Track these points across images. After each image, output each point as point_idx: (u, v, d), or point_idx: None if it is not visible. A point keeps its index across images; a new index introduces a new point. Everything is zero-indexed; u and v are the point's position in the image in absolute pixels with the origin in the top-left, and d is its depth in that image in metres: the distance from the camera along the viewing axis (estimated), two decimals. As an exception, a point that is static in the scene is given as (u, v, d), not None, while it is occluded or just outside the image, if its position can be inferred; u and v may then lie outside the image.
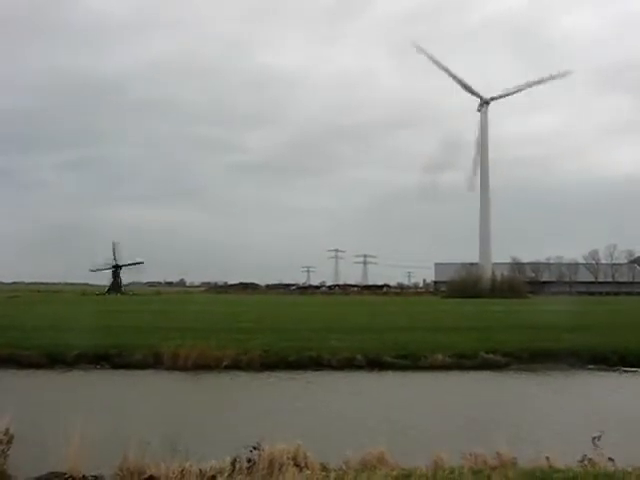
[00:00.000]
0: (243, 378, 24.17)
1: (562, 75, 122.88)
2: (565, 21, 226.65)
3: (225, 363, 25.44)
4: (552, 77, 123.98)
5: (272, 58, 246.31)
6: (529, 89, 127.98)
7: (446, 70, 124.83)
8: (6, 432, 11.11)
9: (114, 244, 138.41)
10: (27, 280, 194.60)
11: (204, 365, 25.33)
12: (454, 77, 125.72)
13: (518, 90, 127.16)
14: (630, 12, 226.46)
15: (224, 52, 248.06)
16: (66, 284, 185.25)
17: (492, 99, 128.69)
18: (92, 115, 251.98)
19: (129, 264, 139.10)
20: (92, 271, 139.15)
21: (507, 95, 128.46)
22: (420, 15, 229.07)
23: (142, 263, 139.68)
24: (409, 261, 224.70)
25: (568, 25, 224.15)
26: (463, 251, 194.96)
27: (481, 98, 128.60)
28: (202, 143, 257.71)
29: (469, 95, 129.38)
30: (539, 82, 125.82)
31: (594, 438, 10.16)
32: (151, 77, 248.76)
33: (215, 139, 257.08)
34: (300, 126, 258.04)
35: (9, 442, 11.07)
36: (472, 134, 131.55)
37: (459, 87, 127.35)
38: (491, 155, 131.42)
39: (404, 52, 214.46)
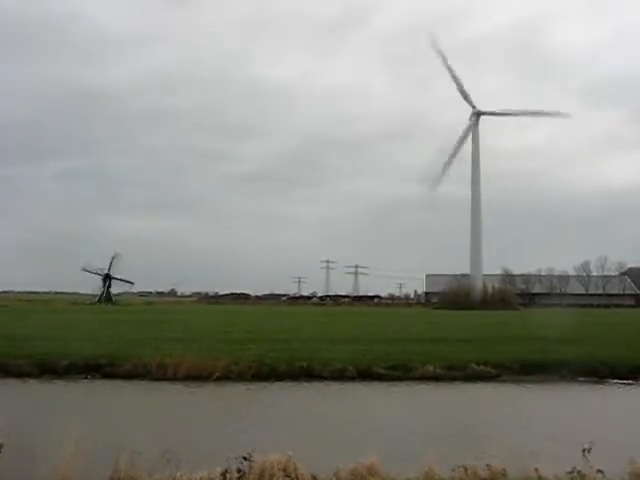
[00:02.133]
0: (235, 389, 24.15)
1: (556, 114, 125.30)
2: (560, 35, 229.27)
3: (216, 374, 25.39)
4: (546, 114, 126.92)
5: (269, 70, 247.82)
6: (520, 117, 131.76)
7: (451, 71, 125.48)
8: (-4, 442, 11.05)
9: (115, 254, 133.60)
10: (17, 289, 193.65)
11: (195, 376, 25.27)
12: (456, 80, 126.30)
13: (510, 114, 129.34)
14: (624, 29, 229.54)
15: (222, 64, 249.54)
16: (57, 293, 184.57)
17: (483, 113, 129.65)
18: (89, 125, 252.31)
19: (120, 279, 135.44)
20: (83, 270, 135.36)
21: (498, 114, 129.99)
22: (416, 29, 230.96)
23: (132, 284, 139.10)
24: (400, 272, 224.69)
25: (563, 39, 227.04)
26: (455, 262, 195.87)
27: (474, 108, 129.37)
28: (198, 153, 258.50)
29: (463, 108, 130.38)
30: (532, 114, 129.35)
31: (584, 450, 10.20)
32: (149, 88, 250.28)
33: (211, 149, 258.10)
34: (296, 137, 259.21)
35: (-1, 452, 11.01)
36: (466, 146, 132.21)
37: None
38: (483, 167, 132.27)
39: (400, 65, 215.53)
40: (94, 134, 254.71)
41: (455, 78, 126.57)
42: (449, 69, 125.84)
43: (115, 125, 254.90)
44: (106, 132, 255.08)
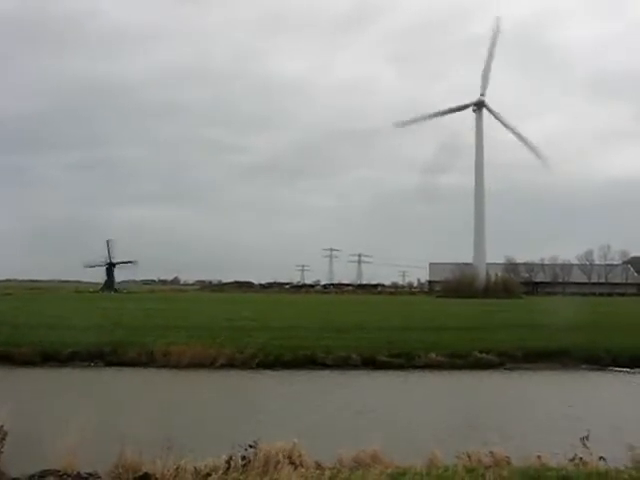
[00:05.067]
0: (235, 377, 24.21)
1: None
2: (564, 30, 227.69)
3: (220, 362, 25.44)
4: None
5: (279, 64, 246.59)
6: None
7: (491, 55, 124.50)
8: (0, 429, 11.11)
9: (108, 242, 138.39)
10: (20, 277, 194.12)
11: (199, 364, 25.32)
12: (487, 66, 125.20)
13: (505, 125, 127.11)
14: (629, 23, 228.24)
15: (232, 57, 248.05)
16: (60, 281, 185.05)
17: (485, 106, 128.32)
18: (101, 117, 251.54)
19: (122, 262, 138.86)
20: (87, 267, 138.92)
21: (497, 118, 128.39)
22: (425, 26, 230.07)
23: (135, 262, 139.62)
24: (404, 261, 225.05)
25: (567, 34, 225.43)
26: (458, 251, 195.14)
27: (481, 95, 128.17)
28: (206, 144, 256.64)
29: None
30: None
31: (583, 438, 10.20)
32: (161, 81, 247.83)
33: (220, 141, 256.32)
34: (304, 129, 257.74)
35: (3, 439, 11.06)
36: (470, 137, 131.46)
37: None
38: (487, 157, 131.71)
39: (408, 60, 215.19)
40: (105, 126, 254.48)
41: (488, 64, 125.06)
42: (491, 54, 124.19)
43: (126, 117, 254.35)
44: (117, 124, 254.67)
